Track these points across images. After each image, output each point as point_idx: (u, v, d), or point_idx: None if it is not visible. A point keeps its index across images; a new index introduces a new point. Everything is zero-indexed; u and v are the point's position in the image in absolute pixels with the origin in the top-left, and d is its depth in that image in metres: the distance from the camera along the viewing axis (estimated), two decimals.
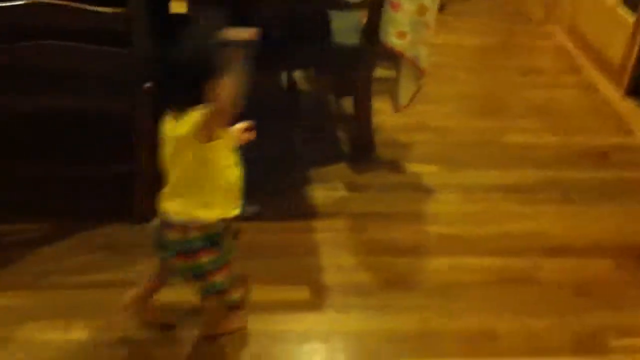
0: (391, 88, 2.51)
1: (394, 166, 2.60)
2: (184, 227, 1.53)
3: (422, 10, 2.26)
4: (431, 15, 2.29)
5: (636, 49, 3.13)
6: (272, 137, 2.64)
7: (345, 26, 2.50)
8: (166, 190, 1.54)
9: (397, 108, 2.54)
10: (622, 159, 2.73)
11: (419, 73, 2.42)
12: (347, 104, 2.81)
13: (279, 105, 2.88)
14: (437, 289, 2.06)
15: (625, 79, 3.19)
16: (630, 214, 2.43)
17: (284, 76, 2.97)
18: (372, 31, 2.36)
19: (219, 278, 1.61)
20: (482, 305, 2.01)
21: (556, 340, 1.91)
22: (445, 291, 2.05)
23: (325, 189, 2.43)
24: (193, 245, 1.54)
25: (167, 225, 1.55)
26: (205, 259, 1.57)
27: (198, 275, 1.60)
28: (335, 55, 2.45)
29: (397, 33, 2.29)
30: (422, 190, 2.48)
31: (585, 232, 2.31)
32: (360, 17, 2.55)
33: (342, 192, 2.44)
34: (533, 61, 3.50)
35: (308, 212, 2.32)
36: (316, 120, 2.85)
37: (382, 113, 2.73)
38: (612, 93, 3.21)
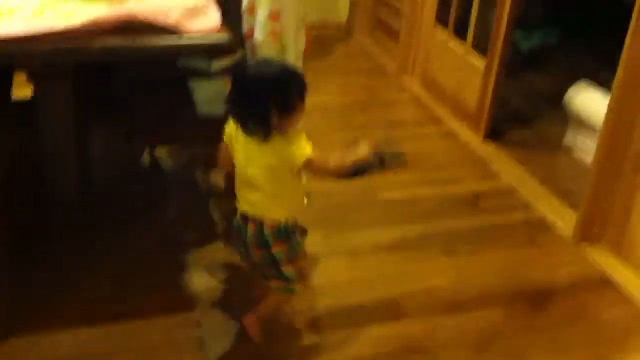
0: None
1: None
2: (260, 222, 1.77)
3: None
4: None
5: (489, 93, 3.26)
6: (138, 222, 2.46)
7: (210, 95, 2.39)
8: (245, 189, 1.79)
9: None
10: (492, 205, 2.79)
11: None
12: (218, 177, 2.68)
13: (142, 185, 2.69)
14: None
15: (483, 124, 3.32)
16: (510, 258, 2.47)
17: (145, 154, 2.78)
18: None
19: (289, 269, 1.84)
20: None
21: None
22: None
23: (203, 274, 2.26)
24: (267, 238, 1.78)
25: (246, 219, 1.80)
26: (278, 248, 1.80)
27: (272, 264, 1.82)
28: (201, 127, 2.32)
29: None
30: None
31: (473, 283, 2.31)
32: (224, 85, 2.45)
33: (220, 275, 2.27)
34: (395, 114, 3.56)
35: (188, 302, 2.14)
36: (185, 199, 2.68)
37: None
38: (472, 139, 3.31)
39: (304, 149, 1.71)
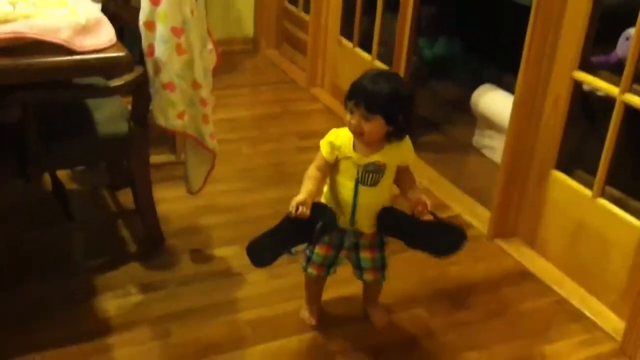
0: (184, 172, 2.35)
1: (190, 256, 2.39)
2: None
3: (195, 86, 2.13)
4: (205, 92, 2.17)
5: None
6: (44, 249, 2.32)
7: (110, 114, 2.29)
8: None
9: (190, 192, 2.39)
10: (407, 207, 2.78)
11: (208, 154, 2.28)
12: (126, 197, 2.56)
13: (47, 211, 2.54)
14: None
15: None
16: (427, 258, 2.45)
17: (46, 178, 2.63)
18: (141, 115, 2.18)
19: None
20: None
21: None
22: None
23: (117, 296, 2.15)
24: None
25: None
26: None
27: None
28: (104, 146, 2.21)
29: (177, 114, 2.13)
30: (225, 276, 2.30)
31: (394, 286, 2.26)
32: (124, 102, 2.35)
33: (136, 297, 2.17)
34: (307, 125, 3.53)
35: (100, 328, 2.02)
36: (93, 221, 2.56)
37: (167, 201, 2.54)
38: None
39: None
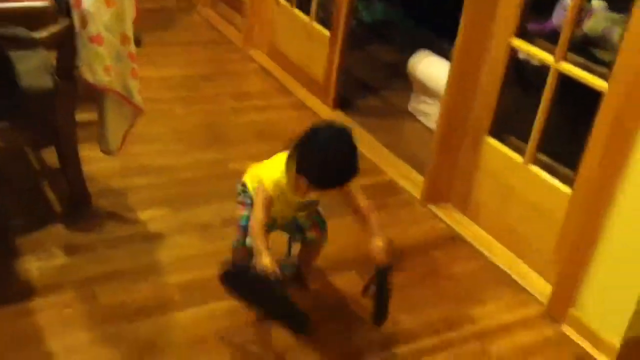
0: (99, 131, 2.23)
1: (117, 217, 2.31)
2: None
3: (124, 39, 2.04)
4: (133, 46, 2.07)
5: (335, 63, 3.25)
6: None
7: (34, 67, 2.16)
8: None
9: (109, 152, 2.27)
10: None
11: (134, 110, 2.19)
12: (50, 155, 2.45)
13: None
14: (194, 346, 1.84)
15: (331, 94, 3.31)
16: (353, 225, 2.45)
17: None
18: (66, 69, 2.07)
19: None
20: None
21: None
22: (202, 347, 1.84)
23: (40, 259, 2.07)
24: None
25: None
26: None
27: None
28: (27, 101, 2.09)
29: (104, 69, 2.03)
30: (153, 238, 2.24)
31: (326, 250, 2.25)
32: (49, 55, 2.23)
33: (60, 259, 2.09)
34: (243, 86, 3.46)
35: (23, 291, 1.94)
36: (15, 180, 2.44)
37: (93, 160, 2.43)
38: (321, 108, 3.30)
39: None
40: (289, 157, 1.80)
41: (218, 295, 2.01)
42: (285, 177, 1.81)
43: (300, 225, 2.00)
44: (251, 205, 1.88)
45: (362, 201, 1.87)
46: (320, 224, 2.01)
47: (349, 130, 1.79)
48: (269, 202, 1.82)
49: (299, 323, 1.82)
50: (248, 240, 1.88)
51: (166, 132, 2.88)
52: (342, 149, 1.76)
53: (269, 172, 1.85)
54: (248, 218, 1.88)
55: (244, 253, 1.94)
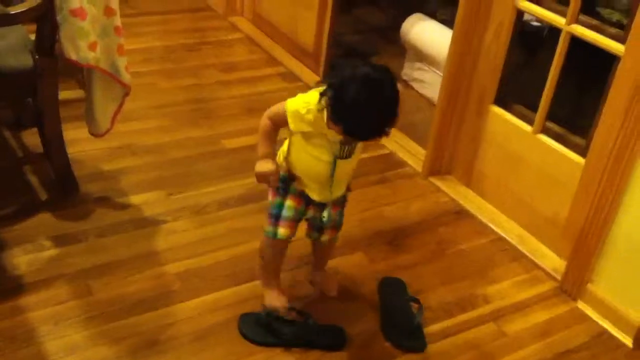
0: (86, 112, 2.08)
1: (108, 203, 2.18)
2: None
3: (109, 11, 1.88)
4: (119, 19, 1.92)
5: (326, 29, 3.11)
6: None
7: (12, 45, 2.00)
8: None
9: (97, 133, 2.13)
10: None
11: (123, 89, 2.04)
12: (33, 138, 2.29)
13: None
14: (195, 341, 1.74)
15: (321, 62, 3.17)
16: (362, 198, 2.36)
17: None
18: (46, 46, 1.91)
19: None
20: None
21: None
22: (203, 341, 1.74)
23: (28, 252, 1.94)
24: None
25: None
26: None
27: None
28: (6, 82, 1.95)
29: (88, 45, 1.87)
30: (148, 224, 2.11)
31: None
32: (26, 31, 2.07)
33: (50, 251, 1.96)
34: (228, 57, 3.30)
35: (12, 288, 1.81)
36: None
37: (78, 142, 2.30)
38: (311, 77, 3.16)
39: None
40: (320, 97, 1.56)
41: (220, 284, 1.92)
42: (312, 108, 1.59)
43: (322, 222, 1.78)
44: (283, 190, 1.73)
45: None
46: (338, 225, 1.84)
47: (387, 72, 1.59)
48: (281, 127, 1.68)
49: (333, 341, 1.79)
50: (280, 232, 1.74)
51: (151, 108, 2.72)
52: (381, 99, 1.54)
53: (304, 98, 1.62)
54: (280, 205, 1.73)
55: (279, 246, 1.80)
